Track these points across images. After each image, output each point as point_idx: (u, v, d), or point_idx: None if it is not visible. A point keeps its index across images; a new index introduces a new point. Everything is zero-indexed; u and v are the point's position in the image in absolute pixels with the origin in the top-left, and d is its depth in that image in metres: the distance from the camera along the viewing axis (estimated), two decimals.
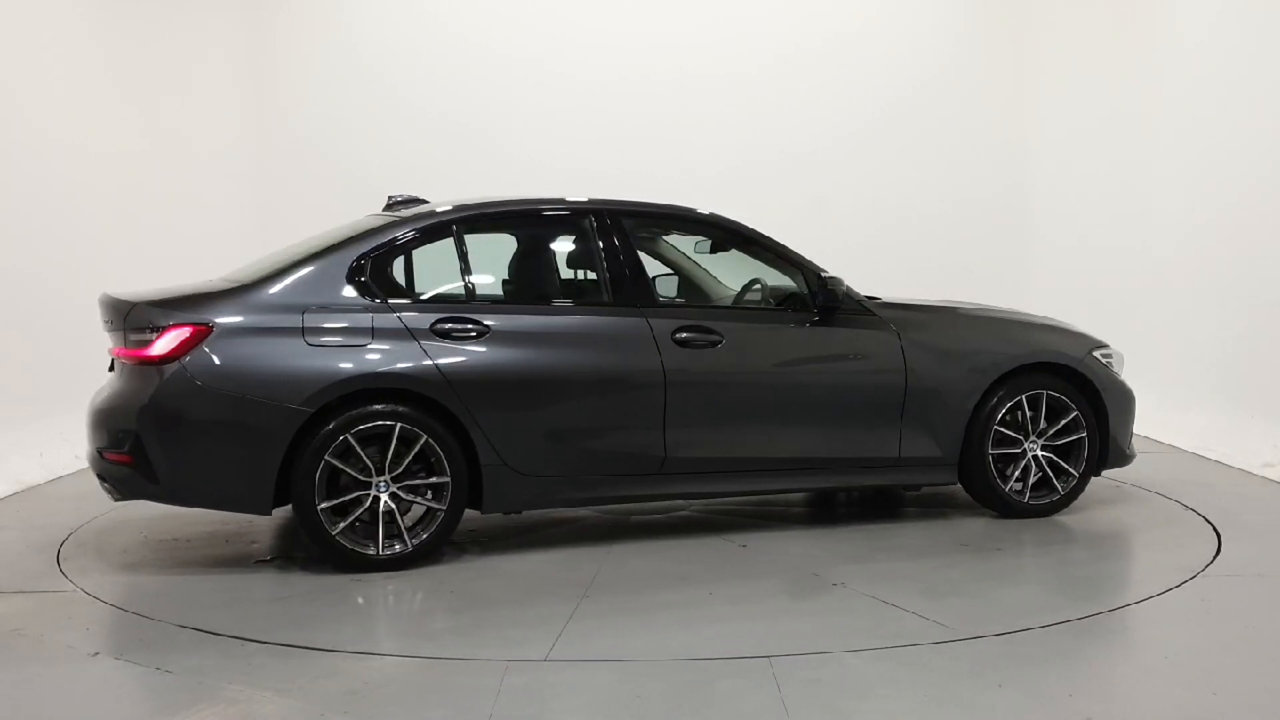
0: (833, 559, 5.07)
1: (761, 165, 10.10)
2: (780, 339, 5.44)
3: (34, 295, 7.44)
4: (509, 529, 5.62)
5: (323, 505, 4.73)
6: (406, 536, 4.85)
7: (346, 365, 4.75)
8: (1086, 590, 4.70)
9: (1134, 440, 6.01)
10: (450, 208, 5.32)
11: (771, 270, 5.67)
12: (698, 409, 5.22)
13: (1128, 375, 6.01)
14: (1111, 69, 9.66)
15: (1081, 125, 9.97)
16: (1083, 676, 3.66)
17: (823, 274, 5.50)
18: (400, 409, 4.81)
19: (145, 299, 4.83)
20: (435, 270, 5.27)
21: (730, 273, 5.90)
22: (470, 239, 5.22)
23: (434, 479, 4.88)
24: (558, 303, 5.41)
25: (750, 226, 5.68)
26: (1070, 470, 5.73)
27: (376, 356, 4.80)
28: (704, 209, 5.70)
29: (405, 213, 5.31)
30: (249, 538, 5.48)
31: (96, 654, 3.92)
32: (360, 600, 4.56)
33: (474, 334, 4.97)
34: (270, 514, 4.85)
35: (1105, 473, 5.95)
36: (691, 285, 5.96)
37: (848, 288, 5.51)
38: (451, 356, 4.89)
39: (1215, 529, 5.53)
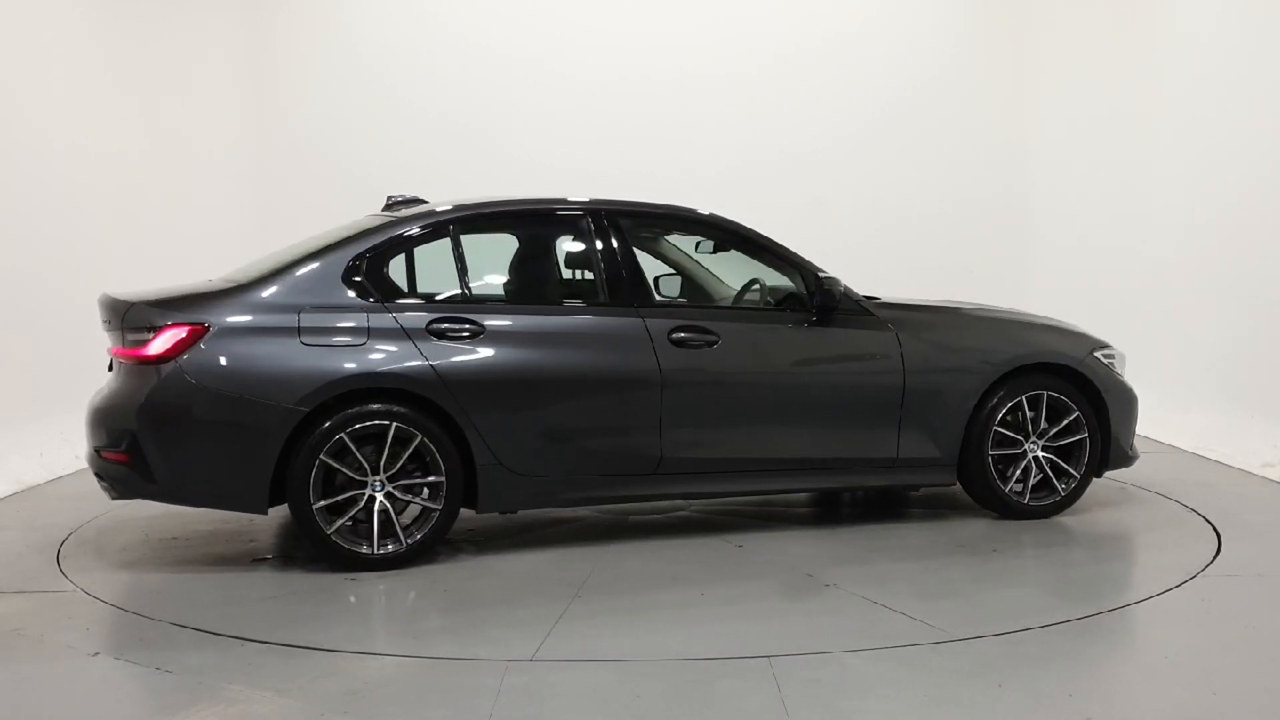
0: (828, 560, 5.07)
1: (761, 165, 10.10)
2: (777, 339, 5.44)
3: (34, 295, 7.44)
4: (506, 528, 5.62)
5: (318, 504, 4.74)
6: (401, 536, 4.86)
7: (341, 365, 4.77)
8: (1082, 591, 4.69)
9: (1136, 441, 5.99)
10: (446, 208, 5.33)
11: (770, 270, 5.66)
12: (694, 409, 5.22)
13: (1128, 375, 6.00)
14: (1111, 69, 9.66)
15: (1081, 125, 9.97)
16: (1083, 676, 3.66)
17: (820, 274, 5.49)
18: (395, 409, 4.82)
19: (142, 299, 4.85)
20: (431, 270, 5.28)
21: (732, 273, 5.90)
22: (466, 239, 5.23)
23: (429, 478, 4.89)
24: (554, 303, 5.41)
25: (748, 226, 5.67)
26: (1071, 471, 5.72)
27: (372, 356, 4.81)
28: (703, 209, 5.70)
29: (401, 213, 5.32)
30: (248, 536, 5.48)
31: (96, 654, 3.92)
32: (352, 599, 4.57)
33: (469, 334, 4.97)
34: (266, 513, 4.86)
35: (1107, 473, 5.94)
36: (694, 285, 5.95)
37: (845, 287, 5.50)
38: (447, 356, 4.90)
39: (1215, 529, 5.53)
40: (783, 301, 5.60)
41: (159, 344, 4.68)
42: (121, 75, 8.73)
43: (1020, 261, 10.30)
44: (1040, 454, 5.68)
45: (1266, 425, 7.24)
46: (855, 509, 6.23)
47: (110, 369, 5.03)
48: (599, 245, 5.33)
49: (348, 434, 4.76)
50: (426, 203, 5.56)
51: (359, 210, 5.80)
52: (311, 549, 4.93)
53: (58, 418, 7.03)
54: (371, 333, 4.85)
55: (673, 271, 5.96)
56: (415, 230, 5.17)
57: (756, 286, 5.74)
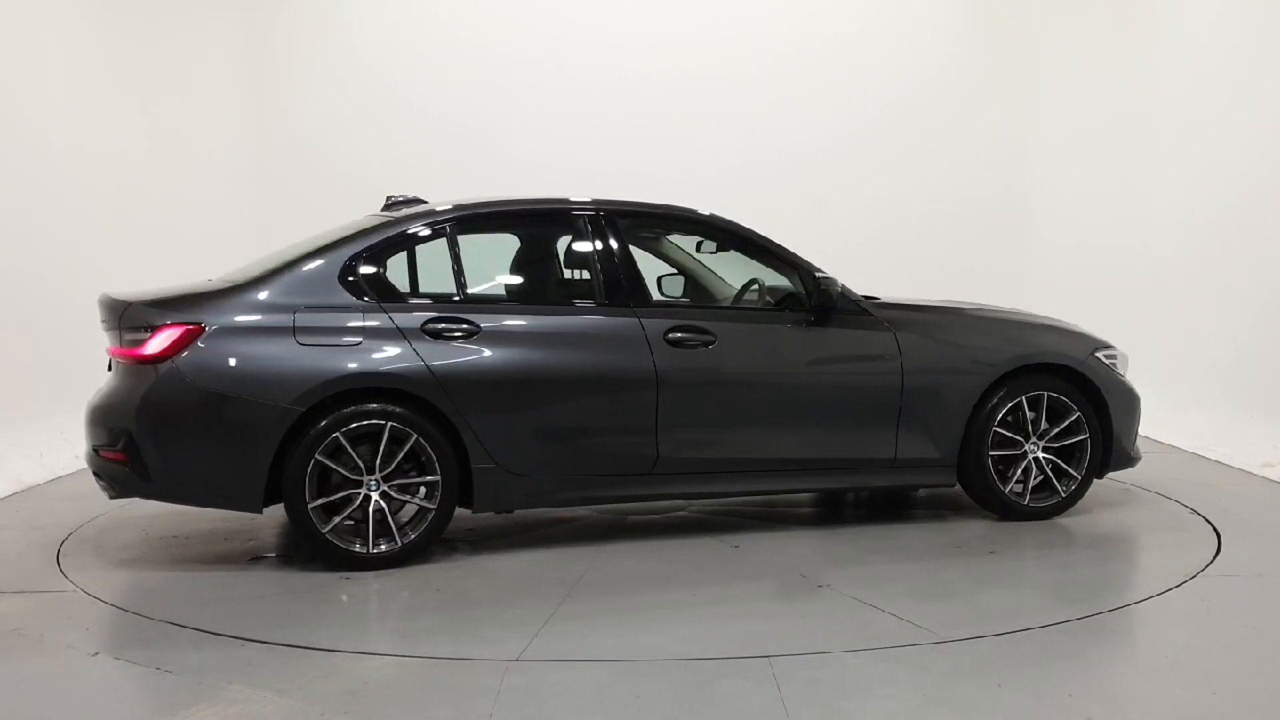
0: (824, 560, 5.07)
1: (761, 165, 10.10)
2: (774, 339, 5.43)
3: (34, 295, 7.44)
4: (503, 528, 5.63)
5: (313, 504, 4.75)
6: (396, 535, 4.87)
7: (337, 365, 4.78)
8: (1081, 592, 4.68)
9: (1137, 441, 5.97)
10: (442, 208, 5.35)
11: (770, 270, 5.66)
12: (690, 409, 5.22)
13: (1130, 375, 5.98)
14: (1111, 69, 9.66)
15: (1082, 125, 9.97)
16: (1083, 676, 3.66)
17: (818, 274, 5.48)
18: (391, 408, 4.83)
19: (140, 299, 4.87)
20: (427, 270, 5.30)
21: (734, 273, 5.90)
22: (463, 239, 5.25)
23: (425, 478, 4.90)
24: (550, 303, 5.41)
25: (746, 226, 5.66)
26: (1072, 472, 5.70)
27: (367, 356, 4.82)
28: (702, 209, 5.69)
29: (398, 213, 5.34)
30: (247, 535, 5.49)
31: (96, 654, 3.92)
32: (345, 599, 4.57)
33: (465, 334, 4.98)
34: (261, 512, 4.87)
35: (1109, 474, 5.90)
36: (696, 285, 5.95)
37: (843, 287, 5.49)
38: (442, 356, 4.91)
39: (1215, 529, 5.53)
40: (782, 302, 5.59)
41: (156, 343, 4.71)
42: (121, 75, 8.73)
43: (1020, 261, 10.30)
44: (1040, 455, 5.67)
45: (1266, 425, 7.24)
46: (855, 510, 6.23)
47: (109, 369, 5.04)
48: (596, 245, 5.33)
49: (343, 433, 4.78)
50: (426, 203, 5.57)
51: (359, 210, 5.80)
52: (307, 548, 4.93)
53: (58, 418, 7.03)
54: (367, 332, 4.86)
55: (674, 271, 5.96)
56: (411, 230, 5.18)
57: (756, 286, 5.74)
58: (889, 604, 4.35)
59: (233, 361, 4.72)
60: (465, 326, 5.00)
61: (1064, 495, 5.69)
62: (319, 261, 4.99)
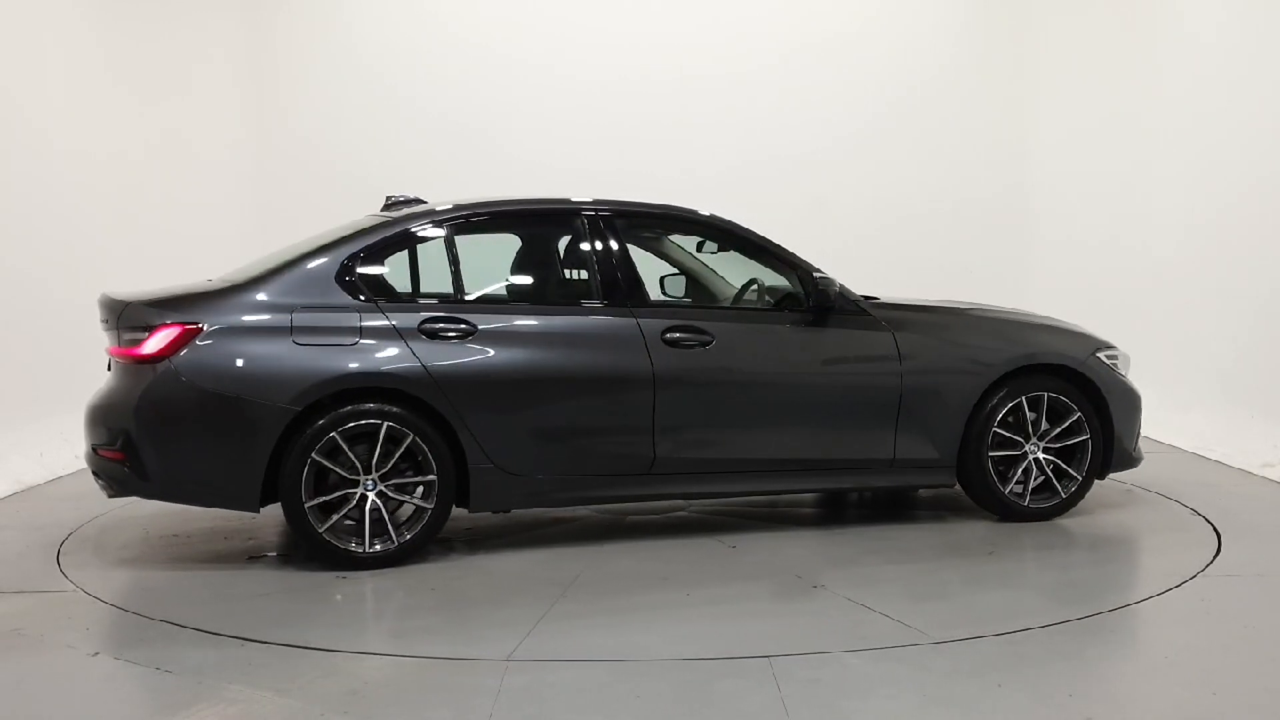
0: (820, 561, 5.07)
1: (761, 165, 10.10)
2: (772, 339, 5.43)
3: (34, 295, 7.44)
4: (501, 528, 5.63)
5: (310, 503, 4.77)
6: (393, 534, 4.87)
7: (333, 364, 4.79)
8: (1079, 593, 4.67)
9: (1139, 442, 5.95)
10: (439, 208, 5.36)
11: (769, 270, 5.66)
12: (687, 410, 5.22)
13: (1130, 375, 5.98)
14: (1111, 69, 9.66)
15: (1082, 125, 9.97)
16: (1083, 676, 3.66)
17: (815, 274, 5.47)
18: (387, 408, 4.84)
19: (139, 299, 4.89)
20: (425, 270, 5.31)
21: (736, 274, 5.89)
22: (460, 239, 5.27)
23: (421, 478, 4.90)
24: (547, 303, 5.41)
25: (745, 226, 5.66)
26: (1072, 473, 5.68)
27: (363, 356, 4.84)
28: (701, 209, 5.69)
29: (395, 213, 5.35)
30: (247, 534, 5.49)
31: (96, 654, 3.92)
32: (339, 598, 4.57)
33: (462, 334, 4.99)
34: (259, 511, 4.89)
35: (1110, 475, 5.88)
36: (698, 285, 5.95)
37: (841, 287, 5.47)
38: (438, 356, 4.92)
39: (1215, 529, 5.52)
40: (781, 302, 5.59)
41: (153, 343, 4.72)
42: (121, 75, 8.73)
43: (1020, 261, 10.29)
44: (1041, 455, 5.66)
45: (1266, 425, 7.24)
46: (856, 510, 6.23)
47: (109, 369, 5.04)
48: (593, 245, 5.33)
49: (339, 433, 4.79)
50: (426, 203, 5.57)
51: (359, 210, 5.80)
52: (304, 547, 4.94)
53: (58, 418, 7.03)
54: (364, 332, 4.87)
55: (676, 271, 5.95)
56: (409, 230, 5.20)
57: (755, 287, 5.73)
58: (882, 605, 4.35)
59: (230, 361, 4.73)
60: (462, 326, 5.00)
61: (1064, 496, 5.67)
62: (316, 262, 5.00)
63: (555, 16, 10.11)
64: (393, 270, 5.18)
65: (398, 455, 4.86)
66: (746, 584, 4.75)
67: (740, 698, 3.47)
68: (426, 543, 5.00)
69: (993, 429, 5.56)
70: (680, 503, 5.99)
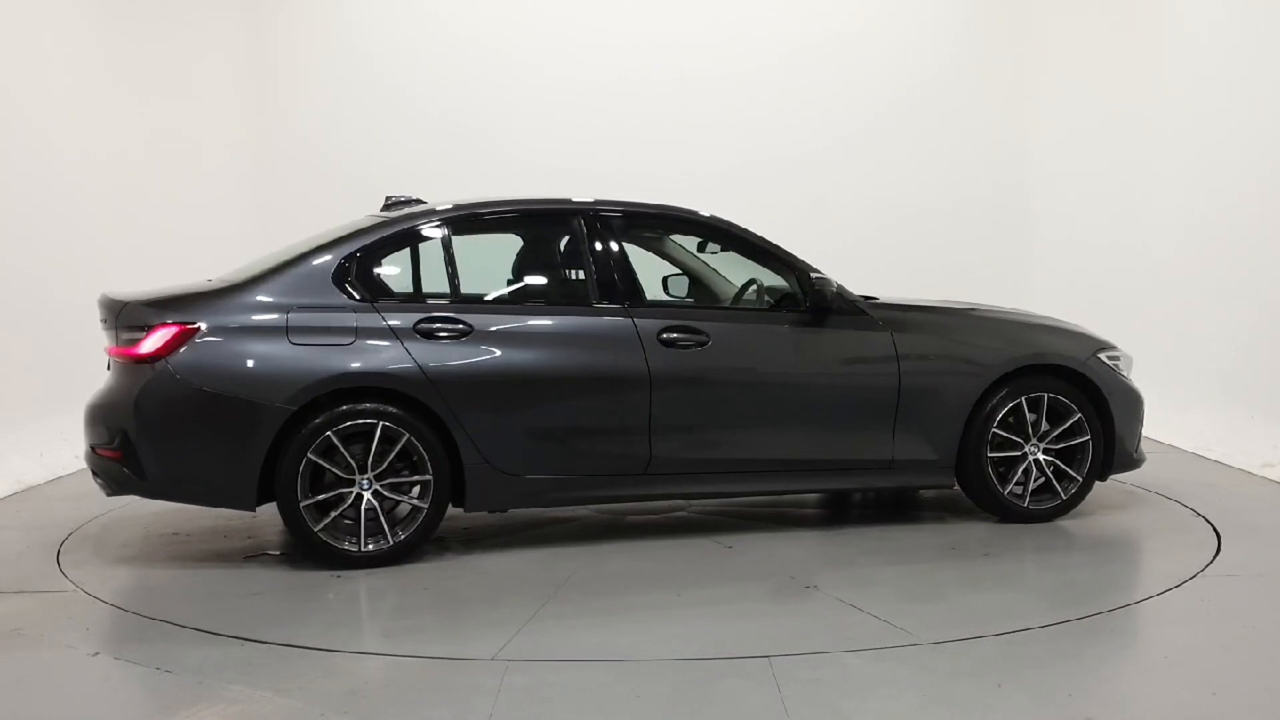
0: (816, 562, 5.06)
1: (761, 165, 10.10)
2: (769, 339, 5.42)
3: (34, 295, 7.44)
4: (498, 527, 5.63)
5: (305, 502, 4.78)
6: (388, 534, 4.88)
7: (328, 364, 4.81)
8: (1072, 594, 4.66)
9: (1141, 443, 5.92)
10: (437, 208, 5.37)
11: (768, 271, 5.65)
12: (684, 410, 5.21)
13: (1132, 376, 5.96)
14: (1112, 68, 9.66)
15: (1082, 125, 9.97)
16: (1082, 676, 3.66)
17: (813, 274, 5.46)
18: (383, 408, 4.85)
19: (137, 298, 4.90)
20: (421, 270, 5.32)
21: (737, 274, 5.88)
22: (457, 240, 5.27)
23: (417, 477, 4.91)
24: (542, 303, 5.42)
25: (743, 226, 5.65)
26: (1073, 474, 5.66)
27: (359, 356, 4.85)
28: (700, 209, 5.68)
29: (392, 214, 5.36)
30: (247, 532, 5.49)
31: (96, 654, 3.92)
32: (331, 596, 4.58)
33: (457, 334, 5.00)
34: (255, 510, 4.90)
35: (1112, 476, 5.86)
36: (700, 285, 5.94)
37: (839, 288, 5.45)
38: (434, 356, 4.93)
39: (1215, 529, 5.52)
40: (780, 302, 5.58)
41: (150, 343, 4.75)
42: (121, 75, 8.73)
43: (1020, 261, 10.30)
44: (1041, 457, 5.64)
45: (1266, 425, 7.24)
46: (857, 511, 6.22)
47: (108, 369, 5.05)
48: (589, 245, 5.33)
49: (335, 432, 4.80)
50: (425, 203, 5.58)
51: (359, 210, 5.80)
52: (299, 546, 4.95)
53: (58, 418, 7.03)
54: (359, 332, 4.88)
55: (679, 271, 5.95)
56: (405, 231, 5.21)
57: (754, 287, 5.73)
58: (873, 606, 4.34)
59: (226, 361, 4.75)
60: (458, 326, 5.01)
61: (1065, 498, 5.65)
62: (313, 262, 5.02)
63: (555, 16, 10.12)
64: (389, 270, 5.19)
65: (393, 455, 4.87)
66: (739, 584, 4.74)
67: (740, 698, 3.47)
68: (422, 542, 5.01)
69: (992, 430, 5.55)
70: (680, 503, 5.99)
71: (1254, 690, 3.54)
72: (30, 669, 3.80)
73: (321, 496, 4.83)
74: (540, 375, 5.06)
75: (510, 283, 5.56)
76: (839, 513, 6.16)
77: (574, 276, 5.47)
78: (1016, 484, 5.62)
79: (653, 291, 5.74)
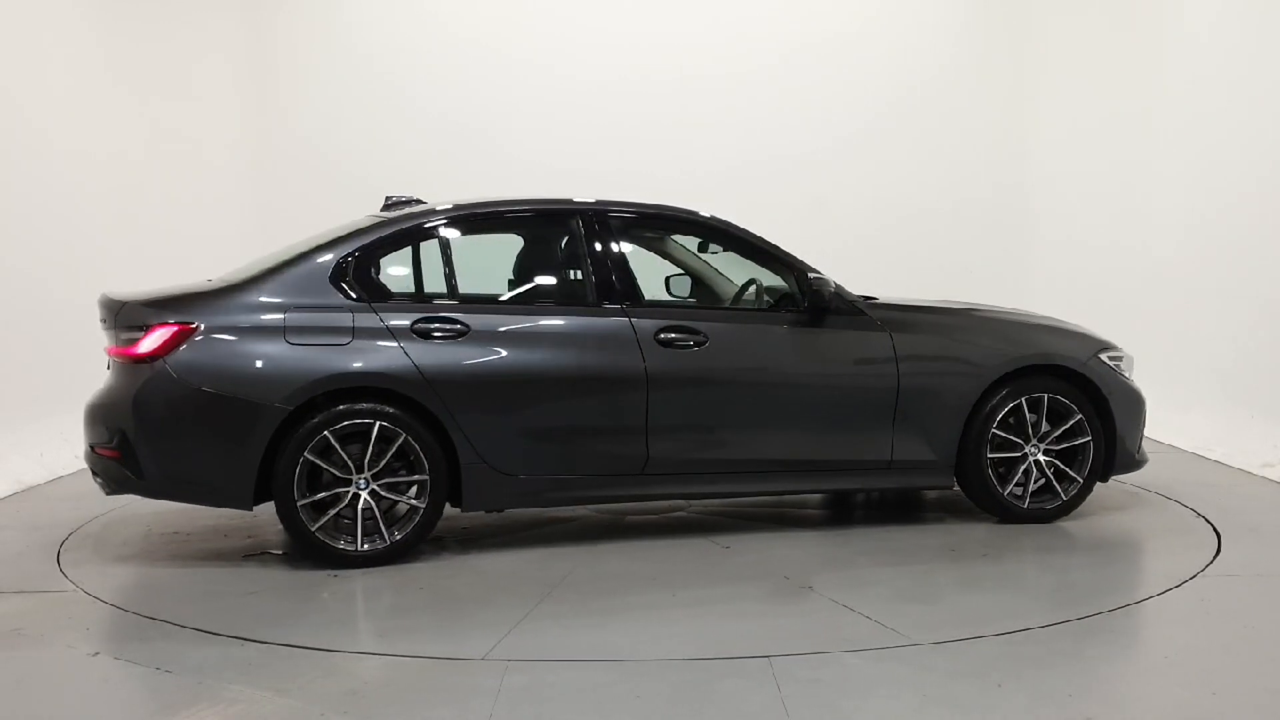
0: (813, 562, 5.05)
1: (761, 165, 10.10)
2: (766, 340, 5.41)
3: (34, 295, 7.45)
4: (496, 527, 5.63)
5: (302, 501, 4.79)
6: (385, 533, 4.89)
7: (325, 364, 4.82)
8: (1068, 595, 4.65)
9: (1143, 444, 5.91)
10: (434, 208, 5.38)
11: (767, 271, 5.64)
12: (681, 410, 5.21)
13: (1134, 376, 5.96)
14: (1111, 68, 9.66)
15: (1082, 124, 9.97)
16: (1082, 676, 3.66)
17: (810, 274, 5.45)
18: (379, 407, 4.86)
19: (135, 298, 4.92)
20: (418, 271, 5.32)
21: (739, 274, 5.88)
22: (454, 240, 5.29)
23: (414, 477, 4.92)
24: (540, 303, 5.41)
25: (741, 226, 5.64)
26: (1073, 475, 5.65)
27: (356, 355, 4.86)
28: (699, 209, 5.68)
29: (390, 214, 5.37)
30: (247, 531, 5.50)
31: (96, 654, 3.92)
32: (325, 595, 4.58)
33: (454, 334, 5.00)
34: (252, 509, 4.92)
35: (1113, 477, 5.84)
36: (702, 286, 5.93)
37: (836, 288, 5.44)
38: (431, 356, 4.93)
39: (1215, 529, 5.52)
40: (779, 302, 5.57)
41: (148, 343, 4.77)
42: (121, 75, 8.73)
43: (1020, 261, 10.30)
44: (1041, 458, 5.62)
45: (1266, 425, 7.24)
46: (858, 512, 6.22)
47: (109, 368, 5.06)
48: (587, 246, 5.33)
49: (332, 432, 4.81)
50: (425, 203, 5.58)
51: (359, 210, 5.80)
52: (297, 545, 4.96)
53: (58, 418, 7.03)
54: (356, 332, 4.89)
55: (681, 272, 5.95)
56: (402, 231, 5.22)
57: (754, 287, 5.72)
58: (866, 607, 4.34)
59: (224, 360, 4.77)
60: (455, 326, 5.01)
61: (1065, 499, 5.64)
62: (310, 262, 5.03)
63: (555, 16, 10.12)
64: (387, 270, 5.20)
65: (390, 454, 4.88)
66: (734, 585, 4.74)
67: (741, 698, 3.47)
68: (419, 542, 5.01)
69: (991, 430, 5.53)
70: (680, 503, 5.99)
71: (1254, 690, 3.54)
72: (30, 669, 3.80)
73: (318, 496, 4.84)
74: (537, 375, 5.06)
75: (509, 283, 5.56)
76: (840, 514, 6.16)
77: (572, 277, 5.46)
78: (1016, 485, 5.60)
79: (654, 292, 5.74)
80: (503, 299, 5.40)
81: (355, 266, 5.04)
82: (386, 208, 5.60)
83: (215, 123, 9.80)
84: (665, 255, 5.96)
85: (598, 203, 5.48)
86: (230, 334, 4.80)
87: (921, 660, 3.79)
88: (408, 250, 5.29)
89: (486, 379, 4.99)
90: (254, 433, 4.74)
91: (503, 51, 10.05)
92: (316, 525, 4.83)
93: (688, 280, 5.93)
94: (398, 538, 4.92)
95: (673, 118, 10.09)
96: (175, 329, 4.76)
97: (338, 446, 4.82)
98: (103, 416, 4.89)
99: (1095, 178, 9.83)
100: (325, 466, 4.83)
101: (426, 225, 5.27)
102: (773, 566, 4.96)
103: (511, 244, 5.71)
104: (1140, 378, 6.00)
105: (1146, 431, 5.98)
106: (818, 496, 6.32)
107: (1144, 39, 9.29)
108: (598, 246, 5.33)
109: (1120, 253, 9.45)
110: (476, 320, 5.06)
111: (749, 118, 10.18)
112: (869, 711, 3.38)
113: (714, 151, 10.06)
